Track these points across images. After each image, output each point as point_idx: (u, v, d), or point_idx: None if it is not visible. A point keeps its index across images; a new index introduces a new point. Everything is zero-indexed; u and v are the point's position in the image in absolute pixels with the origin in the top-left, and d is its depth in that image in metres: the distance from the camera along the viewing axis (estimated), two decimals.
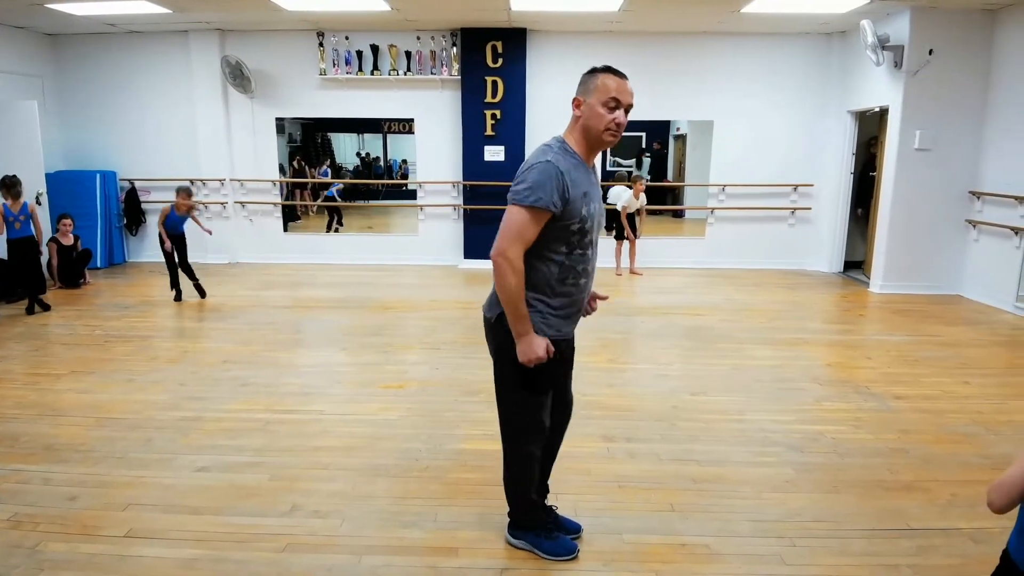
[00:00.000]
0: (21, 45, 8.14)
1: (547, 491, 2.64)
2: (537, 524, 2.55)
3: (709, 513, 2.85)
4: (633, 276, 8.27)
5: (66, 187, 8.17)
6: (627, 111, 2.19)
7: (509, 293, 2.13)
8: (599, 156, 8.76)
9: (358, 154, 12.72)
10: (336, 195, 10.84)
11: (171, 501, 2.91)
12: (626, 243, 8.32)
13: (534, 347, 2.16)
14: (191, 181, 8.82)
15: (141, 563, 2.47)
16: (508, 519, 2.61)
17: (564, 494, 2.96)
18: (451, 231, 8.93)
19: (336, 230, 10.34)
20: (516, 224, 2.10)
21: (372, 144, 12.72)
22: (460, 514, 2.82)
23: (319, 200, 7.84)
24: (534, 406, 2.34)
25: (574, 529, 2.64)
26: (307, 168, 11.05)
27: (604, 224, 2.35)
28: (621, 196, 8.10)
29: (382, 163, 12.71)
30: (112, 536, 2.63)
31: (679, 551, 2.58)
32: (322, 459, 3.32)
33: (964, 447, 3.53)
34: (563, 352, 2.36)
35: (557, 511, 2.66)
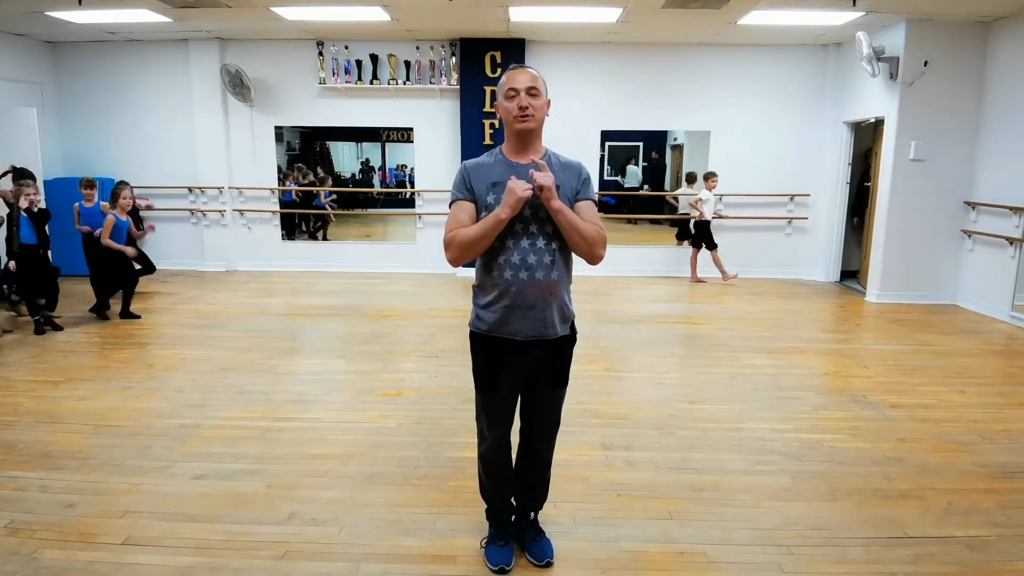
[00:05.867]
0: (21, 52, 8.17)
1: (516, 504, 2.63)
2: (494, 523, 2.58)
3: (707, 521, 2.85)
4: (699, 284, 8.36)
5: (65, 194, 8.16)
6: (531, 94, 2.22)
7: (465, 248, 2.20)
8: (596, 163, 8.86)
9: (365, 162, 12.74)
10: (324, 205, 10.80)
11: (169, 509, 2.90)
12: (702, 251, 8.39)
13: (510, 193, 2.13)
14: (189, 189, 8.86)
15: (138, 571, 2.46)
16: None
17: (563, 502, 2.96)
18: None
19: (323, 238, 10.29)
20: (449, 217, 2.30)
21: (371, 152, 12.74)
22: (458, 522, 2.82)
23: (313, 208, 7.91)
24: (478, 406, 2.44)
25: (538, 556, 2.52)
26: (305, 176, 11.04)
27: (541, 219, 2.21)
28: (705, 201, 8.18)
29: (378, 172, 12.71)
30: (109, 544, 2.62)
31: (677, 559, 2.58)
32: (320, 467, 3.32)
33: (960, 455, 3.54)
34: (499, 354, 2.31)
35: (528, 529, 2.60)
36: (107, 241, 6.12)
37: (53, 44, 8.62)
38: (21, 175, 6.24)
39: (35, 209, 5.75)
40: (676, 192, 9.66)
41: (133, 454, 3.44)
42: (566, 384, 2.48)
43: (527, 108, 2.21)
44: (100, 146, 8.77)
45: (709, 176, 8.26)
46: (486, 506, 2.61)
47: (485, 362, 2.36)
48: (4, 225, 5.80)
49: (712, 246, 8.33)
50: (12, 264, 5.90)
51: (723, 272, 8.38)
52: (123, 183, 6.56)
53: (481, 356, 2.37)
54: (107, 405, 4.13)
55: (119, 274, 6.29)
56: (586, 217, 2.24)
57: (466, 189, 2.28)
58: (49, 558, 2.52)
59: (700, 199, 8.20)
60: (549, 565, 2.51)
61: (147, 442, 3.59)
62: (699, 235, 8.35)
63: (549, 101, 2.33)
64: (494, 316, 2.28)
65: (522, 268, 2.22)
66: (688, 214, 8.63)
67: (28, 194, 5.68)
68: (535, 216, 2.23)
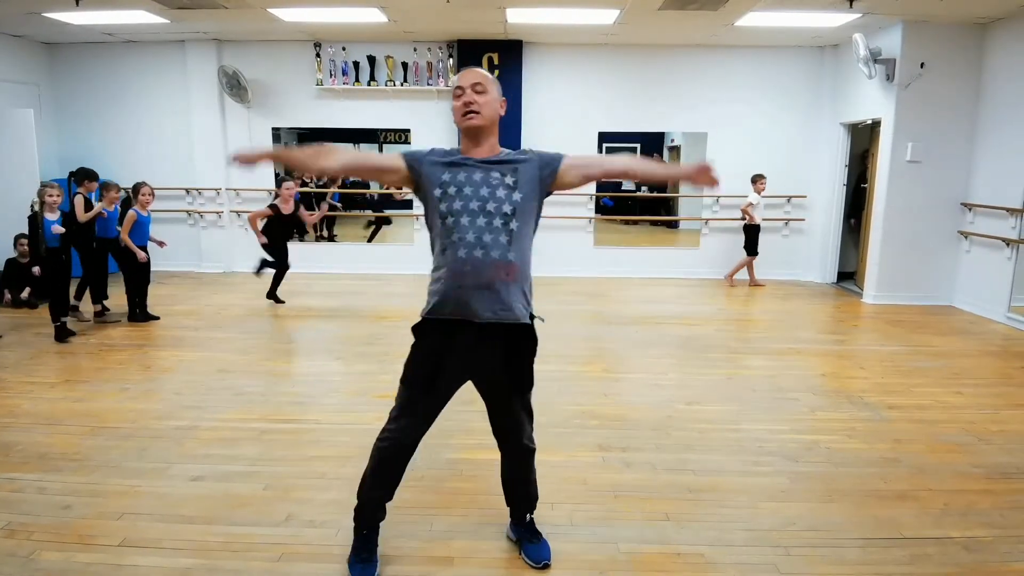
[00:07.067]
0: (18, 53, 8.16)
1: (509, 508, 2.63)
2: (359, 529, 2.48)
3: (704, 522, 2.85)
4: (736, 286, 8.36)
5: (64, 197, 8.14)
6: (476, 90, 2.24)
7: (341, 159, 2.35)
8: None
9: None
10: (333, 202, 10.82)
11: (166, 510, 2.90)
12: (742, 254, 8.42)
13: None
14: (186, 190, 8.85)
15: (136, 572, 2.46)
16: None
17: (560, 503, 2.97)
18: None
19: (332, 238, 10.33)
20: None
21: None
22: (455, 523, 2.82)
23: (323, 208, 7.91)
24: (401, 400, 2.36)
25: (536, 558, 2.52)
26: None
27: (492, 210, 2.19)
28: (755, 205, 8.16)
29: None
30: (107, 545, 2.62)
31: (675, 560, 2.58)
32: (317, 468, 3.32)
33: (957, 456, 3.55)
34: (450, 342, 2.24)
35: (525, 532, 2.61)
36: (125, 238, 5.98)
37: (50, 45, 8.61)
38: (87, 176, 6.16)
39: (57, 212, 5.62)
40: (716, 194, 9.54)
41: (130, 456, 3.43)
42: (530, 388, 2.45)
43: (472, 104, 2.22)
44: (97, 148, 8.75)
45: (757, 178, 8.18)
46: (355, 506, 2.47)
47: (429, 353, 2.28)
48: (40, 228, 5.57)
49: (754, 252, 8.31)
50: (37, 269, 5.73)
51: (752, 277, 8.41)
52: (143, 183, 6.43)
53: (427, 346, 2.29)
54: (104, 407, 4.12)
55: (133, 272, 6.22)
56: (589, 161, 2.38)
57: (422, 160, 2.28)
58: (47, 560, 2.51)
59: (751, 203, 8.14)
60: (547, 567, 2.51)
61: (144, 444, 3.58)
62: (749, 239, 8.29)
63: (504, 100, 2.33)
64: (450, 297, 2.21)
65: (477, 246, 2.17)
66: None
67: (51, 195, 5.54)
68: (492, 194, 2.20)
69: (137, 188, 6.14)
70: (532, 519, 2.63)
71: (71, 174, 6.36)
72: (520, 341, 2.32)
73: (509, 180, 2.23)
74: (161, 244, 6.43)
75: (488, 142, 2.29)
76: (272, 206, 6.71)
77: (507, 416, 2.45)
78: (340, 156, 2.34)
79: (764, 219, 8.35)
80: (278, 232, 6.74)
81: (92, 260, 6.21)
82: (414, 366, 2.32)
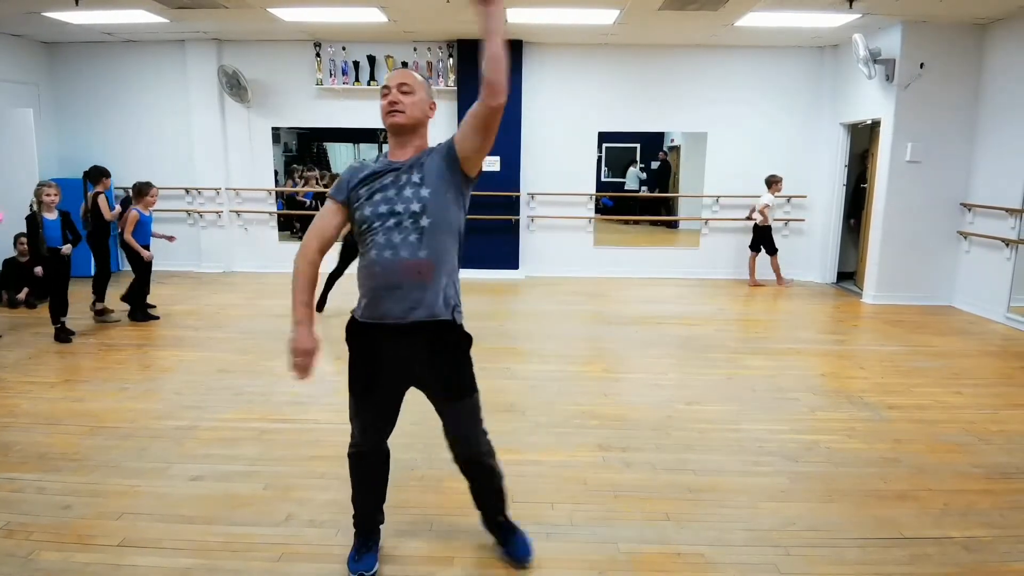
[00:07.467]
0: (17, 53, 8.15)
1: (480, 512, 2.59)
2: (358, 532, 2.52)
3: (704, 522, 2.85)
4: (781, 287, 8.33)
5: (62, 195, 8.14)
6: (402, 90, 2.24)
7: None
8: (594, 169, 8.84)
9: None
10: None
11: (166, 510, 2.90)
12: (760, 254, 8.40)
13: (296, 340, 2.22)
14: (186, 190, 8.85)
15: (135, 572, 2.46)
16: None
17: (560, 503, 2.97)
18: None
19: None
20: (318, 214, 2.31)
21: (368, 153, 12.76)
22: (456, 523, 2.82)
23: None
24: (351, 408, 2.37)
25: (516, 556, 2.53)
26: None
27: (406, 214, 2.16)
28: (771, 207, 8.16)
29: None
30: (106, 545, 2.62)
31: (675, 560, 2.58)
32: (317, 468, 3.32)
33: (957, 456, 3.55)
34: (375, 346, 2.24)
35: (500, 532, 2.58)
36: (128, 238, 5.97)
37: (50, 45, 8.60)
38: (102, 174, 6.22)
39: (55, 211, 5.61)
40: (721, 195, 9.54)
41: (130, 456, 3.43)
42: (471, 392, 2.34)
43: (396, 103, 2.22)
44: (97, 147, 8.74)
45: (775, 180, 8.17)
46: (352, 513, 2.52)
47: (360, 357, 2.28)
48: (41, 228, 5.54)
49: (772, 251, 8.32)
50: (39, 269, 5.65)
51: (779, 276, 8.41)
52: (149, 183, 6.38)
53: (357, 350, 2.29)
54: (104, 407, 4.12)
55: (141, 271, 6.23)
56: (467, 115, 2.20)
57: (345, 189, 2.26)
58: (46, 560, 2.51)
59: (767, 205, 8.13)
60: (527, 564, 2.50)
61: (144, 444, 3.58)
62: (760, 240, 8.30)
63: (434, 104, 2.33)
64: (365, 300, 2.22)
65: (386, 248, 2.15)
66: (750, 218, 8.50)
67: (49, 194, 5.52)
68: (399, 195, 2.18)
69: (142, 188, 6.13)
70: (506, 518, 2.58)
71: (85, 174, 6.37)
72: (443, 339, 2.24)
73: (416, 177, 2.20)
74: (170, 239, 6.43)
75: (413, 144, 2.28)
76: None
77: (449, 424, 2.38)
78: (306, 250, 2.24)
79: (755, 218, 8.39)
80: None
81: (107, 258, 6.27)
82: (352, 371, 2.33)
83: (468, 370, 2.33)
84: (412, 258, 2.15)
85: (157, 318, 6.33)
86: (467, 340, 2.31)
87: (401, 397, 2.36)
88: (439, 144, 2.31)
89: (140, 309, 6.29)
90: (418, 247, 2.16)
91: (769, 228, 8.24)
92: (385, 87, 2.27)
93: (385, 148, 2.33)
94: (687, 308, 7.23)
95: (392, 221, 2.16)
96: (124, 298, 6.30)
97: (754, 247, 8.41)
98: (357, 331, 2.29)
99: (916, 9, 6.41)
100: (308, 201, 9.59)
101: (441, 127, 8.59)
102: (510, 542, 2.56)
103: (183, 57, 8.51)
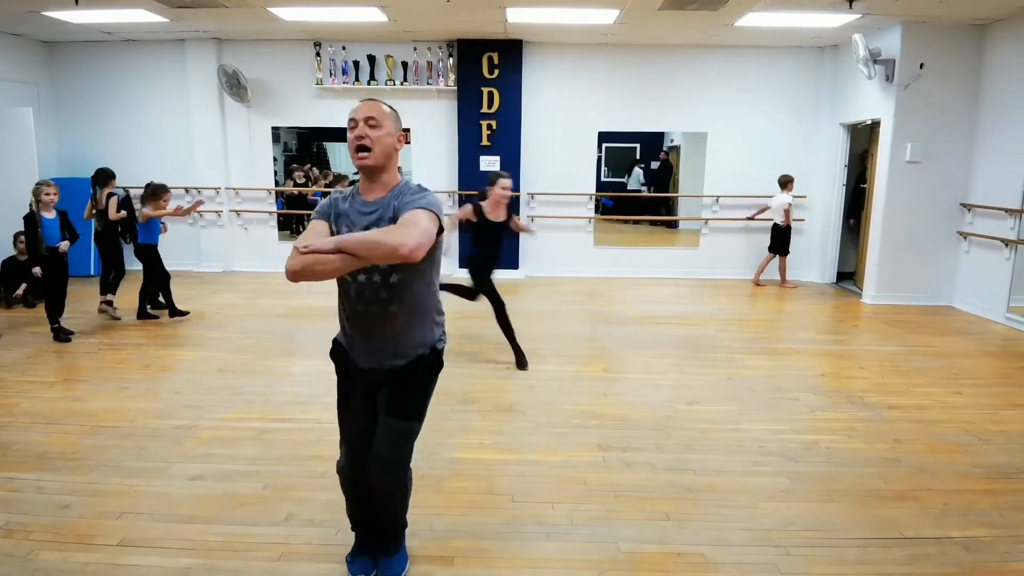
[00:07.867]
0: (17, 52, 8.14)
1: (362, 530, 2.51)
2: (356, 534, 2.53)
3: (704, 522, 2.85)
4: (784, 288, 8.31)
5: (61, 195, 8.14)
6: (370, 124, 2.11)
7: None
8: (594, 169, 8.84)
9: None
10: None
11: (165, 510, 2.89)
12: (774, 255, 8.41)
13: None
14: (186, 189, 8.84)
15: (135, 572, 2.46)
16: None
17: (560, 503, 2.97)
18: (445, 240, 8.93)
19: None
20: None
21: None
22: (456, 523, 2.82)
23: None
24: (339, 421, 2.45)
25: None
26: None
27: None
28: (779, 202, 8.16)
29: None
30: (106, 545, 2.61)
31: (675, 560, 2.58)
32: (317, 468, 3.31)
33: (957, 456, 3.55)
34: (340, 367, 2.38)
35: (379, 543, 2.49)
36: (149, 215, 6.14)
37: (49, 44, 8.60)
38: (109, 176, 6.36)
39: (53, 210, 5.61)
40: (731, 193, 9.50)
41: (129, 455, 3.43)
42: (411, 418, 2.30)
43: (363, 138, 2.10)
44: (96, 147, 8.73)
45: (789, 180, 8.17)
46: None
47: (342, 376, 2.39)
48: (40, 227, 5.50)
49: (785, 252, 8.32)
50: (37, 270, 5.62)
51: (784, 277, 8.40)
52: (164, 186, 6.41)
53: (338, 367, 2.40)
54: (103, 406, 4.11)
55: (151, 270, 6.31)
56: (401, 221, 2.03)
57: (331, 214, 2.21)
58: (45, 560, 2.51)
59: (791, 204, 8.12)
60: None
61: (143, 443, 3.58)
62: (781, 241, 8.28)
63: (403, 133, 2.22)
64: (344, 339, 2.34)
65: (359, 300, 2.20)
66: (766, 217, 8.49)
67: (48, 193, 5.53)
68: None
69: (157, 190, 6.22)
70: (394, 532, 2.48)
71: (93, 177, 6.43)
72: (415, 369, 2.29)
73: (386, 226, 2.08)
74: (197, 205, 6.81)
75: (381, 180, 2.17)
76: (476, 206, 4.87)
77: (379, 438, 2.30)
78: (320, 252, 2.07)
79: (766, 219, 8.39)
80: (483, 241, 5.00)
81: (119, 256, 6.38)
82: (337, 388, 2.43)
83: (420, 398, 2.34)
84: (382, 313, 2.19)
85: (157, 317, 6.34)
86: (434, 370, 2.35)
87: (375, 417, 2.34)
88: (407, 191, 2.16)
89: (141, 308, 6.31)
90: (389, 303, 2.18)
91: (789, 229, 8.23)
92: (352, 120, 2.14)
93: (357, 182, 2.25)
94: (687, 308, 7.23)
95: (363, 277, 2.16)
96: (145, 303, 6.36)
97: (773, 248, 8.38)
98: (336, 351, 2.41)
99: (916, 9, 6.41)
100: (319, 199, 9.61)
101: (441, 127, 8.62)
102: (383, 559, 2.44)
103: (183, 56, 8.50)
